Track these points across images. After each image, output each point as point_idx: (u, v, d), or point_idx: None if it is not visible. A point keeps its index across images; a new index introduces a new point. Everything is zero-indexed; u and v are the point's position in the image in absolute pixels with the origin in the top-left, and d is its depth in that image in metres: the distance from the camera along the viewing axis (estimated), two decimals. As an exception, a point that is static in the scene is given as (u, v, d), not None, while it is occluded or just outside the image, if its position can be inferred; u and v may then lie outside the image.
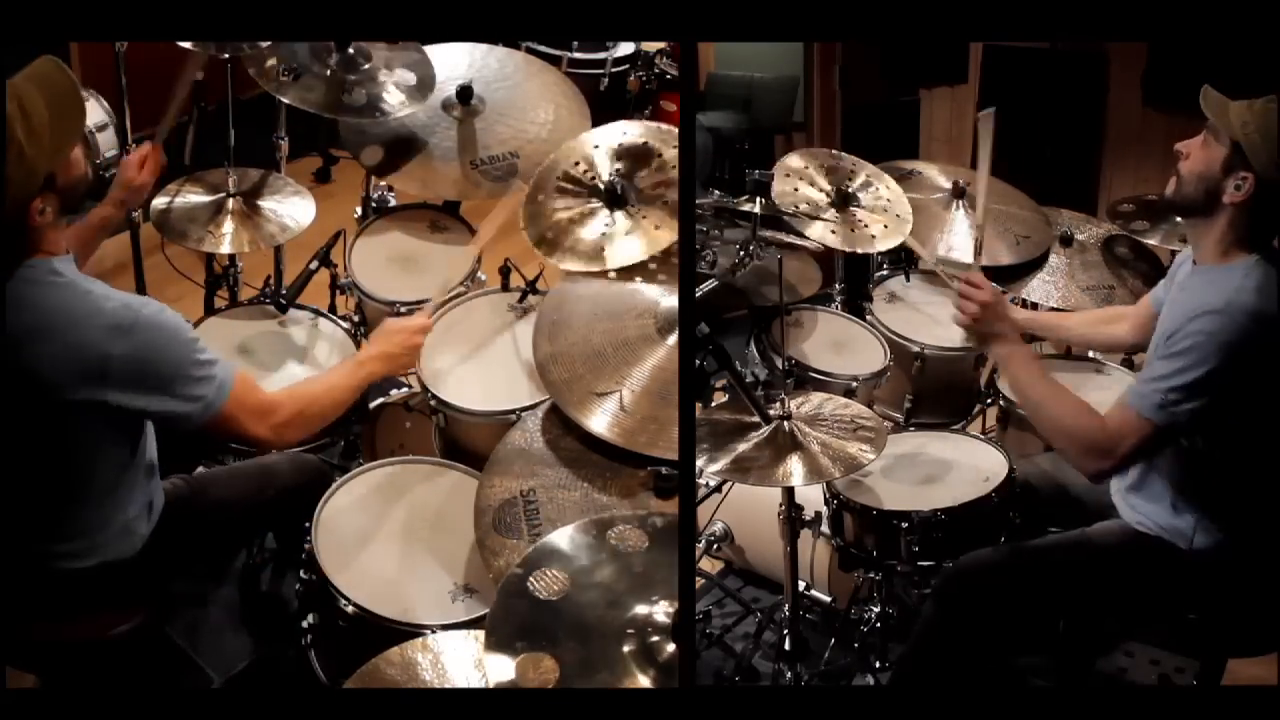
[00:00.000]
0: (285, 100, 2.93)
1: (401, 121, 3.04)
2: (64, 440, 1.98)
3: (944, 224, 3.21)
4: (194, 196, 2.97)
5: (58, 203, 1.97)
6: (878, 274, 3.35)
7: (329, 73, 2.97)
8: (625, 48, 4.18)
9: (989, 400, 3.10)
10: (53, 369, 1.91)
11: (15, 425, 1.94)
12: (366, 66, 3.01)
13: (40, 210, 1.94)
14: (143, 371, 1.94)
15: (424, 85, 3.04)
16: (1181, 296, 2.20)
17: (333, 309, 3.16)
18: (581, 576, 1.75)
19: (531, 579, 1.75)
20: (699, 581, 3.03)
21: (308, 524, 2.30)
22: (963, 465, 2.63)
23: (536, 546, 1.83)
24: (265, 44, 2.93)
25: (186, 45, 2.95)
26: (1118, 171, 4.70)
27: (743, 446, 2.26)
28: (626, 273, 2.59)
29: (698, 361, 2.18)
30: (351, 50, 3.02)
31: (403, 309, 2.86)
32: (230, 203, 2.95)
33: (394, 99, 2.98)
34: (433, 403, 2.61)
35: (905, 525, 2.45)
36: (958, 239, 3.18)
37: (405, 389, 3.16)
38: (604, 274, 2.59)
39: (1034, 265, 3.15)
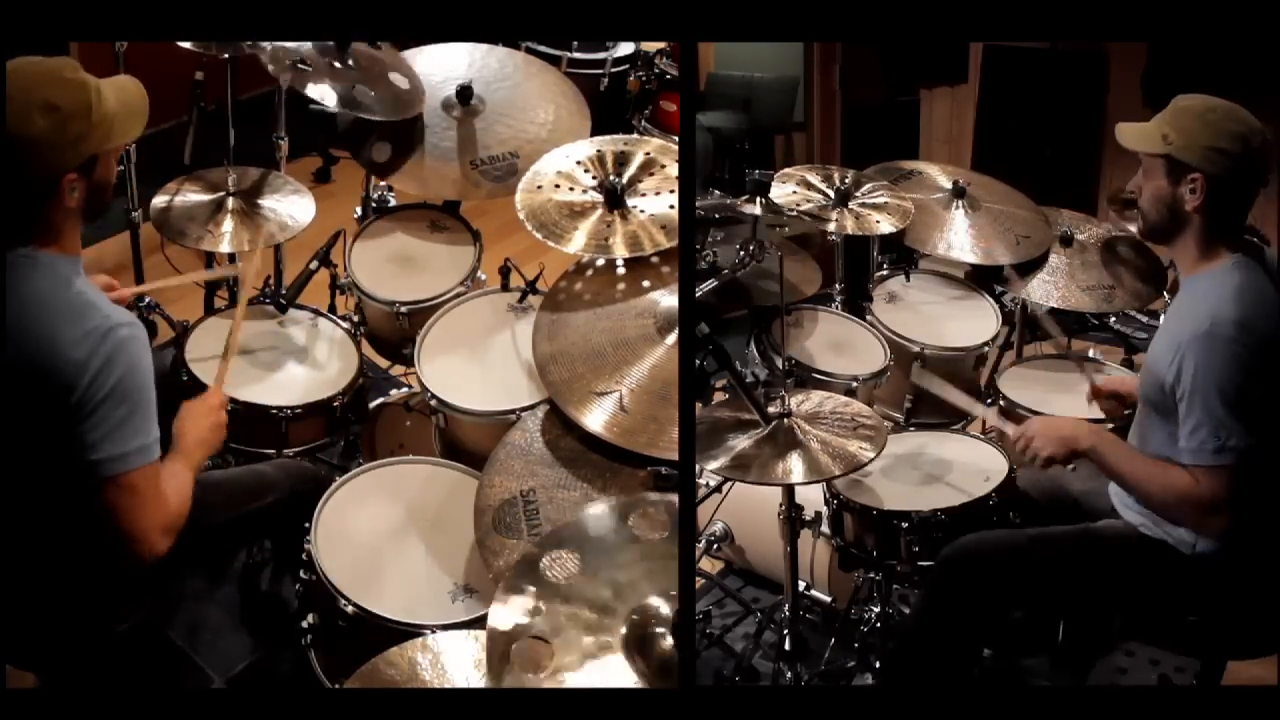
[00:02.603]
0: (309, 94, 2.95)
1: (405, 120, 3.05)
2: (53, 434, 1.97)
3: (944, 224, 3.21)
4: (193, 195, 2.97)
5: (85, 192, 1.99)
6: (878, 274, 3.35)
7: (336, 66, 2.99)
8: (625, 48, 4.17)
9: (989, 400, 3.10)
10: (25, 361, 1.91)
11: (9, 416, 1.95)
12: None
13: (72, 189, 1.96)
14: (93, 383, 1.90)
15: (415, 92, 3.06)
16: (1171, 317, 2.24)
17: (333, 309, 3.16)
18: (591, 567, 1.76)
19: (546, 559, 1.77)
20: (699, 581, 3.03)
21: (306, 525, 2.30)
22: (963, 465, 2.63)
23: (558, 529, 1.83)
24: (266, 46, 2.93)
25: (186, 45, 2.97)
26: (1118, 171, 4.71)
27: (743, 444, 2.27)
28: (632, 270, 2.59)
29: (698, 361, 2.18)
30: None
31: (402, 309, 2.86)
32: (230, 202, 2.95)
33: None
34: (433, 403, 2.60)
35: (905, 525, 2.45)
36: (957, 238, 3.18)
37: (405, 389, 3.16)
38: (612, 263, 2.59)
39: (1034, 265, 3.15)
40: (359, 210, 3.36)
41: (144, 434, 1.96)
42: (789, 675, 2.52)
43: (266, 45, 2.93)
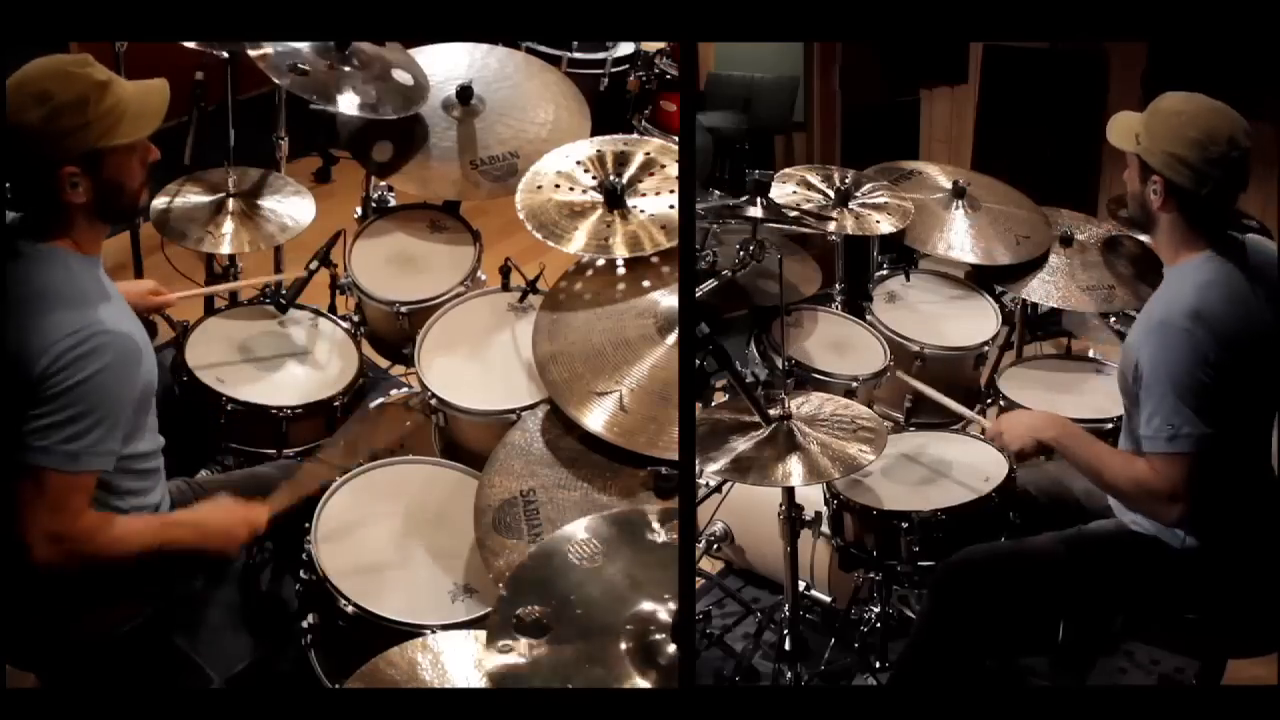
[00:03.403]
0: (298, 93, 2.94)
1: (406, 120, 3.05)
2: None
3: (944, 224, 3.21)
4: (194, 196, 2.97)
5: (91, 189, 1.98)
6: (878, 274, 3.35)
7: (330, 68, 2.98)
8: (625, 48, 4.17)
9: (989, 400, 3.10)
10: (19, 354, 1.90)
11: (13, 410, 1.94)
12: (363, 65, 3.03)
13: (72, 183, 1.95)
14: (56, 375, 1.88)
15: (419, 88, 3.06)
16: (1142, 311, 2.26)
17: (333, 309, 3.16)
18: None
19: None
20: (699, 581, 3.03)
21: (307, 524, 2.30)
22: (963, 465, 2.63)
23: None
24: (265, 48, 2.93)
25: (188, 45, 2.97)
26: (1118, 171, 4.68)
27: (743, 446, 2.27)
28: (632, 270, 2.59)
29: (698, 361, 2.18)
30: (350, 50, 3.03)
31: (402, 309, 2.86)
32: (230, 203, 2.95)
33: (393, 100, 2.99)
34: (433, 403, 2.60)
35: (905, 525, 2.45)
36: (957, 238, 3.18)
37: (405, 389, 3.16)
38: (612, 263, 2.59)
39: (1034, 265, 3.15)
40: (359, 210, 3.36)
41: (78, 441, 1.90)
42: (789, 675, 2.51)
43: (270, 48, 2.93)
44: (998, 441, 2.40)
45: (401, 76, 3.07)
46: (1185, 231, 2.17)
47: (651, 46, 4.24)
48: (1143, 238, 3.27)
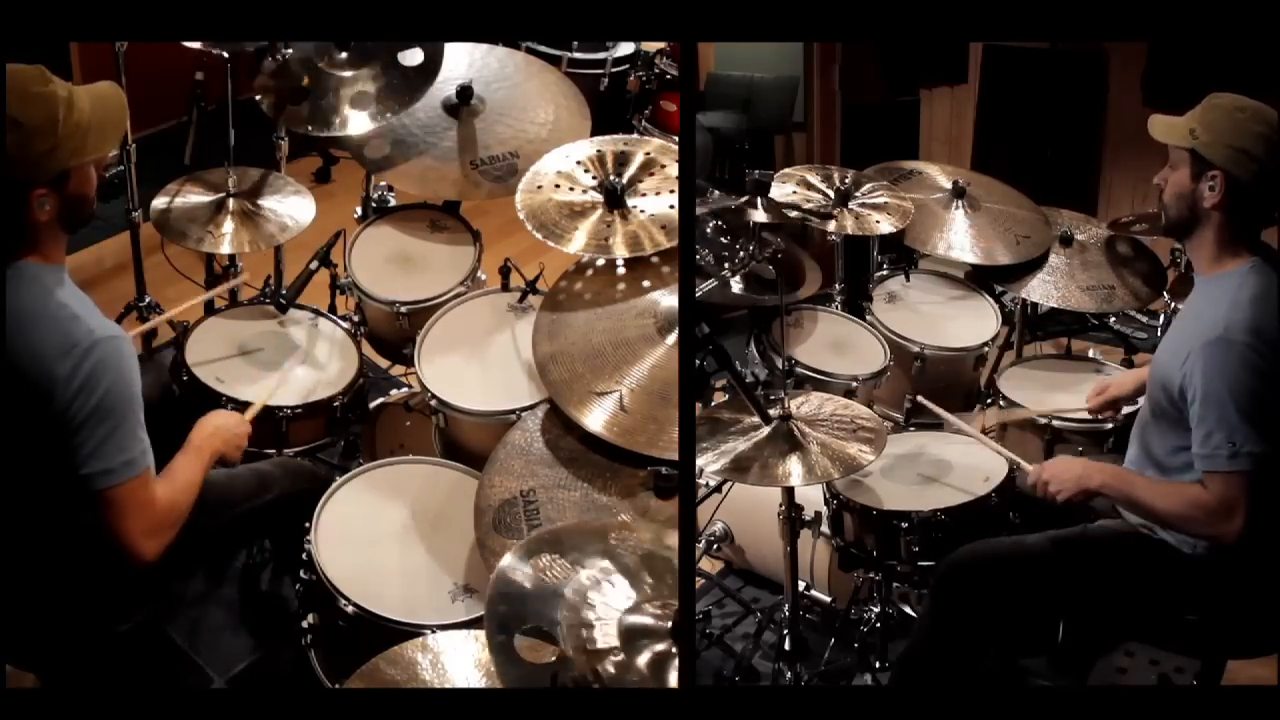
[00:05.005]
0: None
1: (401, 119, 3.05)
2: (41, 443, 1.96)
3: (944, 223, 3.21)
4: (194, 196, 2.97)
5: (58, 206, 1.97)
6: (878, 274, 3.35)
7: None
8: (625, 48, 4.17)
9: (989, 400, 3.11)
10: (11, 373, 1.90)
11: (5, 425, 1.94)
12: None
13: (41, 203, 1.94)
14: (76, 399, 1.89)
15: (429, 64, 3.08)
16: (1182, 320, 2.23)
17: (333, 309, 3.16)
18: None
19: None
20: (699, 581, 3.03)
21: (307, 524, 2.30)
22: (963, 465, 2.63)
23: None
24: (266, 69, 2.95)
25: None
26: (1117, 171, 4.70)
27: (743, 446, 2.27)
28: (632, 270, 2.59)
29: (698, 361, 2.18)
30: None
31: (403, 309, 2.86)
32: (230, 203, 2.95)
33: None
34: (433, 403, 2.60)
35: (905, 525, 2.46)
36: (957, 238, 3.18)
37: (405, 389, 3.16)
38: (612, 263, 2.59)
39: (1034, 265, 3.15)
40: (359, 210, 3.36)
41: (128, 449, 1.95)
42: (789, 675, 2.52)
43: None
44: (1042, 490, 2.29)
45: (409, 58, 3.06)
46: (1229, 236, 2.15)
47: (651, 46, 4.24)
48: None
